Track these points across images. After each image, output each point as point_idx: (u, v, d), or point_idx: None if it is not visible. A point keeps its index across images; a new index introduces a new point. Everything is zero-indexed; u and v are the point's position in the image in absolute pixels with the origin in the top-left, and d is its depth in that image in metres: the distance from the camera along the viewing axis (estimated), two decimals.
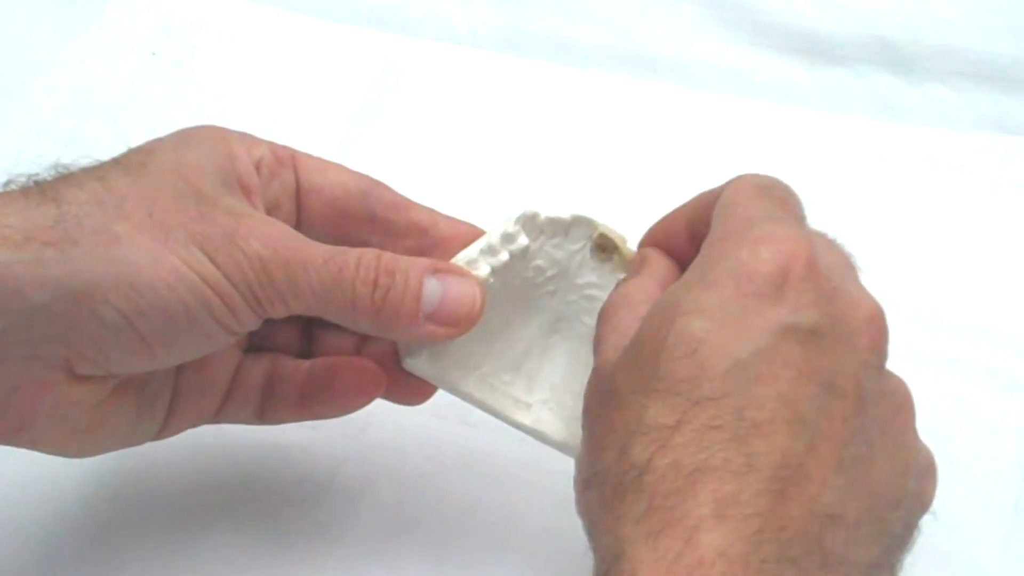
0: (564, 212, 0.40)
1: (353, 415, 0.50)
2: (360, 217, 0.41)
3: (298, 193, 0.40)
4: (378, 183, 0.42)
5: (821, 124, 0.64)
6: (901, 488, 0.33)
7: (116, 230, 0.34)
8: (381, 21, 0.69)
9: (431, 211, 0.42)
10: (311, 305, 0.37)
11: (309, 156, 0.41)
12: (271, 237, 0.36)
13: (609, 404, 0.34)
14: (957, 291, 0.57)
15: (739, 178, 0.39)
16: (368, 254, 0.37)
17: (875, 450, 0.33)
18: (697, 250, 0.38)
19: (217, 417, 0.43)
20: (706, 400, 0.31)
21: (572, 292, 0.41)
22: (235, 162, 0.38)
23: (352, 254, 0.37)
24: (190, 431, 0.43)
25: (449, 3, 0.69)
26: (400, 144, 0.63)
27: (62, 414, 0.36)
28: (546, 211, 0.40)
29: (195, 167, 0.37)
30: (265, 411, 0.43)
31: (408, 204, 0.41)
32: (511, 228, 0.40)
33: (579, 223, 0.40)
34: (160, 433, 0.41)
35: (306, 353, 0.44)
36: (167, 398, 0.41)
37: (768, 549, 0.30)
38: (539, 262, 0.41)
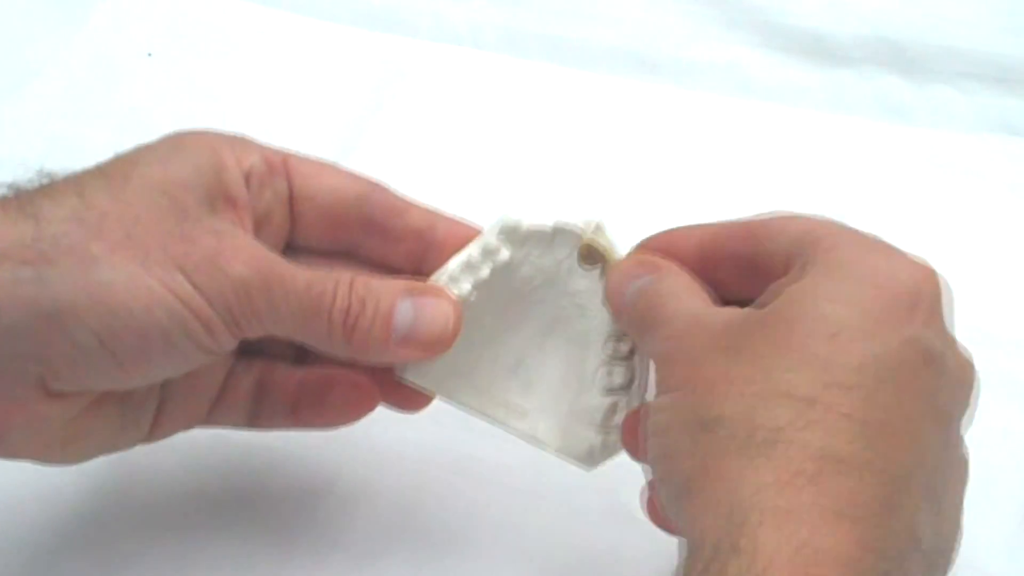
0: (547, 222, 0.40)
1: (326, 459, 0.49)
2: (356, 223, 0.41)
3: (291, 201, 0.40)
4: (375, 186, 0.41)
5: (826, 126, 0.64)
6: (950, 544, 0.34)
7: (93, 250, 0.34)
8: (381, 22, 0.69)
9: (430, 213, 0.42)
10: (289, 329, 0.38)
11: (303, 160, 0.41)
12: (254, 259, 0.36)
13: (732, 357, 0.33)
14: (963, 295, 0.56)
15: (801, 216, 0.38)
16: (343, 281, 0.37)
17: (944, 496, 0.33)
18: (707, 276, 0.39)
19: (207, 421, 0.43)
20: (840, 385, 0.32)
21: (563, 298, 0.42)
22: (223, 174, 0.38)
23: (331, 281, 0.37)
24: (185, 437, 0.43)
25: (450, 4, 0.69)
26: (400, 146, 0.63)
27: (36, 428, 0.36)
28: (528, 221, 0.40)
29: (180, 182, 0.37)
30: (256, 417, 0.43)
31: (406, 208, 0.41)
32: (492, 241, 0.40)
33: (562, 233, 0.40)
34: (148, 438, 0.41)
35: (301, 357, 0.44)
36: (153, 405, 0.40)
37: (871, 559, 0.30)
38: (525, 271, 0.41)
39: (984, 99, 0.64)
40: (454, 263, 0.40)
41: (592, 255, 0.40)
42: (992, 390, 0.52)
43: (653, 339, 0.37)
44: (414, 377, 0.41)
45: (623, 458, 0.42)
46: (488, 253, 0.40)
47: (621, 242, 0.42)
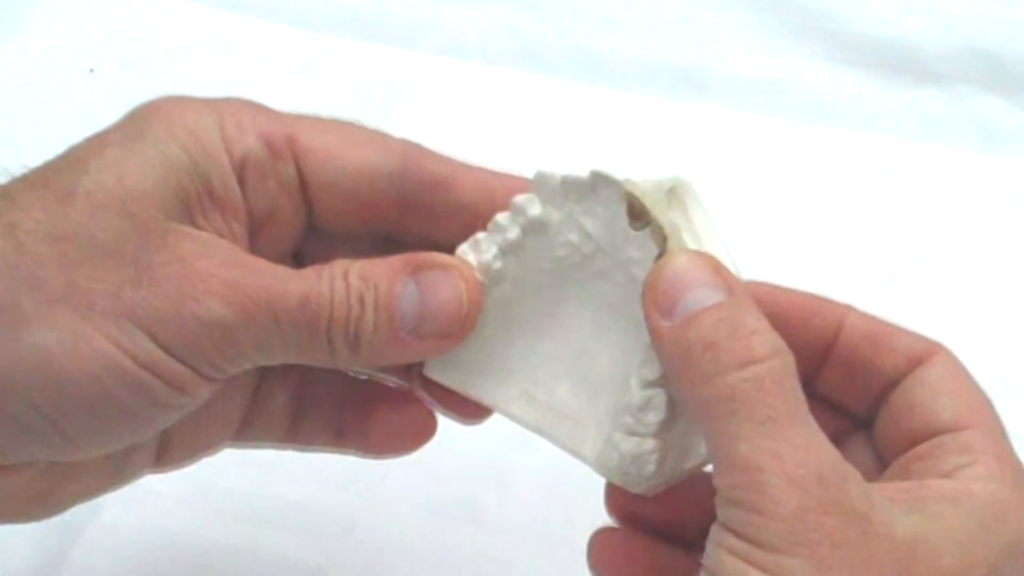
0: (582, 171, 0.38)
1: (337, 511, 0.50)
2: (391, 203, 0.39)
3: (304, 187, 0.39)
4: (413, 152, 0.39)
5: (910, 156, 0.64)
6: None
7: (25, 307, 0.33)
8: (377, 32, 0.70)
9: (484, 176, 0.40)
10: (282, 356, 0.36)
11: (316, 131, 0.38)
12: (232, 285, 0.35)
13: None
14: None
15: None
16: (338, 280, 0.36)
17: None
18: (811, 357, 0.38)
19: (237, 439, 0.42)
20: None
21: (618, 271, 0.39)
22: (205, 168, 0.36)
23: (324, 284, 0.36)
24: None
25: (456, 12, 0.70)
26: None
27: None
28: (562, 171, 0.39)
29: (140, 191, 0.35)
30: (296, 435, 0.42)
31: (452, 178, 0.39)
32: (520, 199, 0.39)
33: (602, 183, 0.38)
34: (158, 466, 0.41)
35: None
36: (152, 441, 0.40)
37: None
38: (570, 236, 0.39)
39: None
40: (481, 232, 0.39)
41: (634, 210, 0.38)
42: None
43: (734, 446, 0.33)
44: (440, 372, 0.40)
45: None
46: (518, 210, 0.39)
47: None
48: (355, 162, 0.38)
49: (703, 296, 0.34)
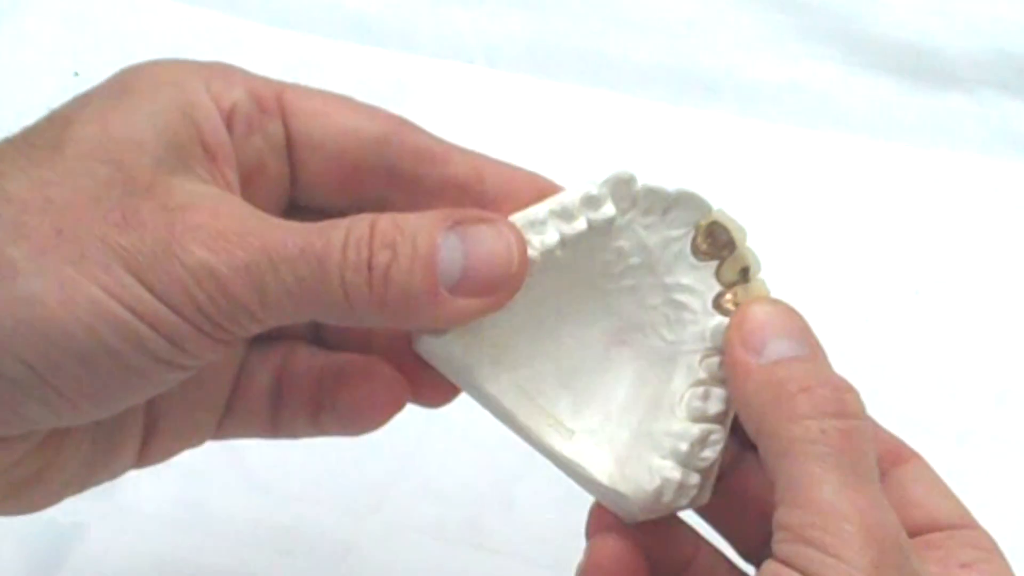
0: (669, 185, 0.39)
1: (335, 534, 0.50)
2: (377, 173, 0.39)
3: (290, 147, 0.39)
4: (402, 123, 0.39)
5: (935, 164, 0.64)
6: None
7: (13, 256, 0.33)
8: (377, 35, 0.70)
9: (476, 159, 0.39)
10: (293, 312, 0.35)
11: (304, 94, 0.39)
12: (221, 234, 0.34)
13: None
14: None
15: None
16: (359, 225, 0.35)
17: None
18: None
19: (220, 433, 0.42)
20: None
21: (655, 293, 0.40)
22: (194, 116, 0.36)
23: (338, 231, 0.35)
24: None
25: (458, 14, 0.69)
26: None
27: None
28: (646, 178, 0.39)
29: (127, 139, 0.35)
30: (277, 423, 0.42)
31: (444, 152, 0.39)
32: (596, 190, 0.38)
33: (687, 202, 0.39)
34: (141, 462, 0.40)
35: (322, 336, 0.43)
36: (138, 424, 0.39)
37: None
38: (622, 243, 0.40)
39: None
40: (535, 209, 0.38)
41: (715, 240, 0.39)
42: None
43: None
44: (438, 347, 0.38)
45: None
46: (589, 203, 0.38)
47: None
48: (343, 123, 0.39)
49: (792, 346, 0.37)
